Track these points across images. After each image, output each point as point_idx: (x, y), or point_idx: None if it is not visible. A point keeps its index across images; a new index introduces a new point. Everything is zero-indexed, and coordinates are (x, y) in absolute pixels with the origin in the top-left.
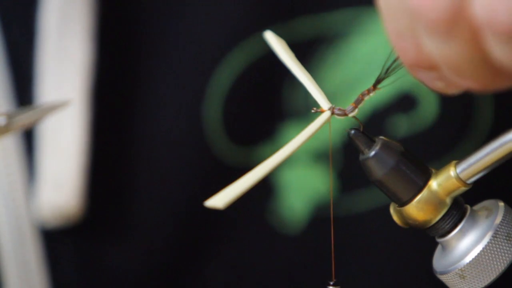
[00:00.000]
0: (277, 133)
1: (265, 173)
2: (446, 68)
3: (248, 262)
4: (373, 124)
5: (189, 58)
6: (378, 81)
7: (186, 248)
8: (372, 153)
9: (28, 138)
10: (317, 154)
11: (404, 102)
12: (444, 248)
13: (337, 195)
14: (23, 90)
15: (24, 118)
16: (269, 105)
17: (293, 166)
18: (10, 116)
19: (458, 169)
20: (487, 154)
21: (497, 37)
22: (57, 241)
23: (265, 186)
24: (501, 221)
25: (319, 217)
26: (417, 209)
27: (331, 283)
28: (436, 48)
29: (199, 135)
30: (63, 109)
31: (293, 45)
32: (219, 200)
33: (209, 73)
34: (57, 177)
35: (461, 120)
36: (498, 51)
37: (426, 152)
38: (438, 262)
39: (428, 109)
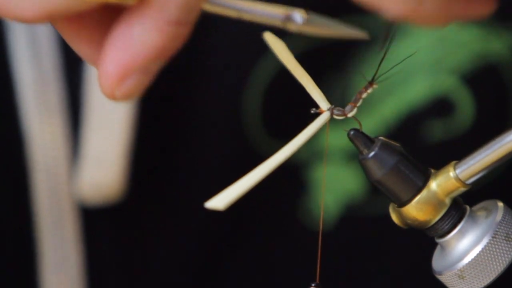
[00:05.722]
0: None
1: (265, 174)
2: None
3: (276, 257)
4: (408, 128)
5: (232, 49)
6: (373, 78)
7: (217, 240)
8: (372, 153)
9: (75, 115)
10: (351, 154)
11: (441, 106)
12: (443, 248)
13: (369, 196)
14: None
15: (323, 24)
16: (307, 100)
17: (326, 164)
18: (309, 17)
19: (458, 170)
20: (487, 154)
21: None
22: (95, 220)
23: (297, 183)
24: (500, 221)
25: (349, 216)
26: (416, 210)
27: (313, 284)
28: None
29: (237, 126)
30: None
31: (334, 43)
32: (220, 201)
33: (251, 65)
34: (101, 155)
35: (497, 125)
36: None
37: (461, 158)
38: (437, 262)
39: (465, 115)
